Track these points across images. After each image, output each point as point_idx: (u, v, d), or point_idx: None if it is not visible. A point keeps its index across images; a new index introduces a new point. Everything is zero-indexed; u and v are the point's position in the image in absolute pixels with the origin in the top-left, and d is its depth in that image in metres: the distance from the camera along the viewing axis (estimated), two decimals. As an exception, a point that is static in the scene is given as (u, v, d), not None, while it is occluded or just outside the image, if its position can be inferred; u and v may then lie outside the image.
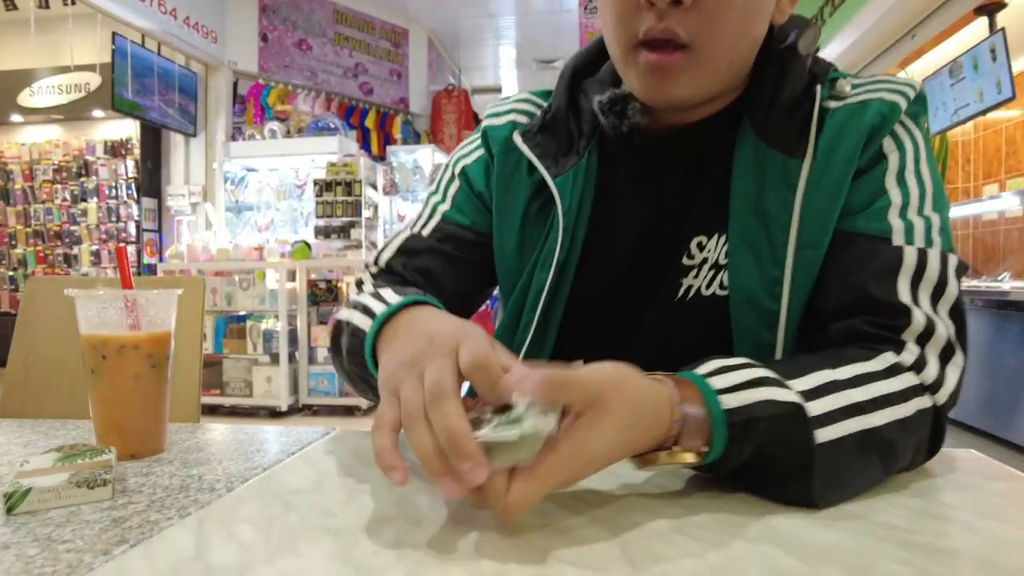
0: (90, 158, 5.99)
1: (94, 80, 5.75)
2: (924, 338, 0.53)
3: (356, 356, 0.56)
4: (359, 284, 0.72)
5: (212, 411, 4.18)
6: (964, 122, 4.04)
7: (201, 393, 1.11)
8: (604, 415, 0.40)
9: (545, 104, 0.74)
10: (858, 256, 0.57)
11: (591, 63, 0.72)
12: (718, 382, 0.46)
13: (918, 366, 0.51)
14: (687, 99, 0.61)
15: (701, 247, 0.65)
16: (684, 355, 0.65)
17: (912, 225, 0.57)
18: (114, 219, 5.87)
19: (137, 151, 5.70)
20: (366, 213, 4.49)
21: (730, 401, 0.45)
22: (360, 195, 4.47)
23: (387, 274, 0.73)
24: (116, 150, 5.91)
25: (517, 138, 0.71)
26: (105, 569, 0.38)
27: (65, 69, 5.74)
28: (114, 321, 0.63)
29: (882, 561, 0.37)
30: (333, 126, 5.23)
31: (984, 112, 3.82)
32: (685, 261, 0.65)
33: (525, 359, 0.67)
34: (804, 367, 0.49)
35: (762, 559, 0.38)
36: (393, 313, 0.54)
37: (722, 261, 0.63)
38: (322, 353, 4.43)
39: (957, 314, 0.55)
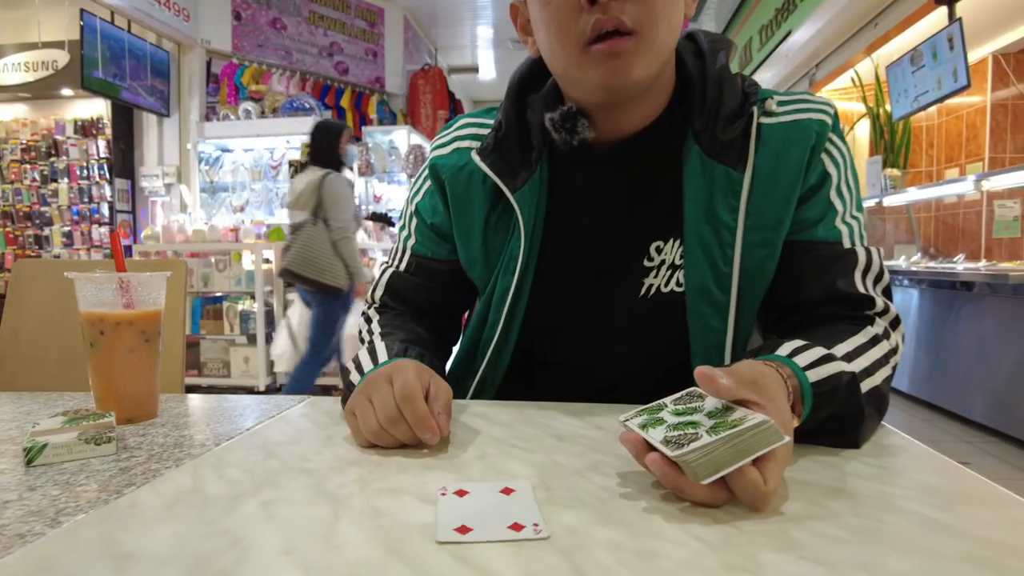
0: (59, 138, 5.90)
1: (62, 58, 5.64)
2: (882, 315, 0.69)
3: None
4: (367, 320, 0.84)
5: (190, 391, 4.18)
6: (924, 108, 4.18)
7: (182, 375, 1.18)
8: (772, 397, 0.49)
9: (488, 122, 0.81)
10: (823, 260, 0.70)
11: (533, 78, 0.79)
12: (800, 361, 0.57)
13: (886, 335, 0.66)
14: (641, 80, 0.67)
15: (659, 251, 0.74)
16: (646, 345, 0.77)
17: (852, 228, 0.72)
18: (86, 200, 5.80)
19: (109, 131, 5.63)
20: (342, 194, 4.51)
21: (813, 376, 0.56)
22: (336, 176, 4.48)
23: (383, 308, 0.86)
24: (87, 130, 5.82)
25: (475, 156, 0.77)
26: (121, 501, 0.46)
27: (32, 46, 5.62)
28: (110, 300, 0.71)
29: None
30: (308, 106, 5.22)
31: (942, 99, 3.96)
32: (646, 263, 0.75)
33: (493, 352, 0.78)
34: (830, 341, 0.61)
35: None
36: (374, 370, 0.65)
37: (678, 262, 0.74)
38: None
39: (888, 292, 0.71)
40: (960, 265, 3.79)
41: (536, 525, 0.40)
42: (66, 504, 0.47)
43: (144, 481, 0.51)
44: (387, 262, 0.87)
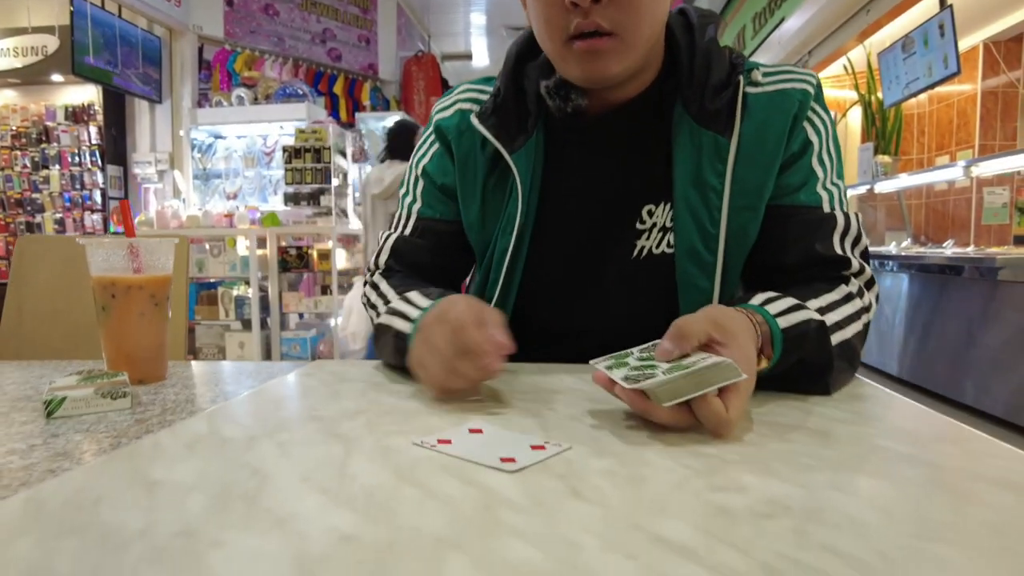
0: (50, 124, 5.86)
1: (52, 43, 5.59)
2: (857, 275, 0.73)
3: (402, 354, 0.66)
4: (374, 286, 0.83)
5: (185, 376, 4.23)
6: (915, 95, 4.21)
7: (185, 344, 1.21)
8: (737, 339, 0.53)
9: (488, 89, 0.85)
10: (804, 224, 0.74)
11: (531, 47, 0.82)
12: (772, 309, 0.61)
13: (860, 294, 0.70)
14: (618, 75, 0.73)
15: (650, 214, 0.78)
16: (637, 306, 0.80)
17: (832, 194, 0.75)
18: (78, 187, 5.77)
19: (100, 117, 5.59)
20: (335, 181, 4.52)
21: (783, 322, 0.60)
22: (329, 162, 4.49)
23: (388, 272, 0.86)
24: (78, 116, 5.79)
25: (475, 120, 0.80)
26: (143, 441, 0.49)
27: (21, 31, 5.57)
28: (120, 266, 0.73)
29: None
30: (301, 92, 5.21)
31: (932, 86, 3.99)
32: (638, 226, 0.79)
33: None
34: (804, 296, 0.65)
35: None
36: (422, 315, 0.66)
37: (668, 224, 0.77)
38: (293, 319, 4.50)
39: (866, 255, 0.75)
40: (949, 251, 3.84)
41: (550, 443, 0.46)
42: (89, 447, 0.50)
43: (161, 430, 0.53)
44: (388, 229, 0.89)
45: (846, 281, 0.71)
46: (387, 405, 0.58)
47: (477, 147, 0.82)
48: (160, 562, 0.30)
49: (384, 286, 0.81)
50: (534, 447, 0.46)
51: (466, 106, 0.85)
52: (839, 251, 0.72)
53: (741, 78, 0.75)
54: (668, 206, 0.77)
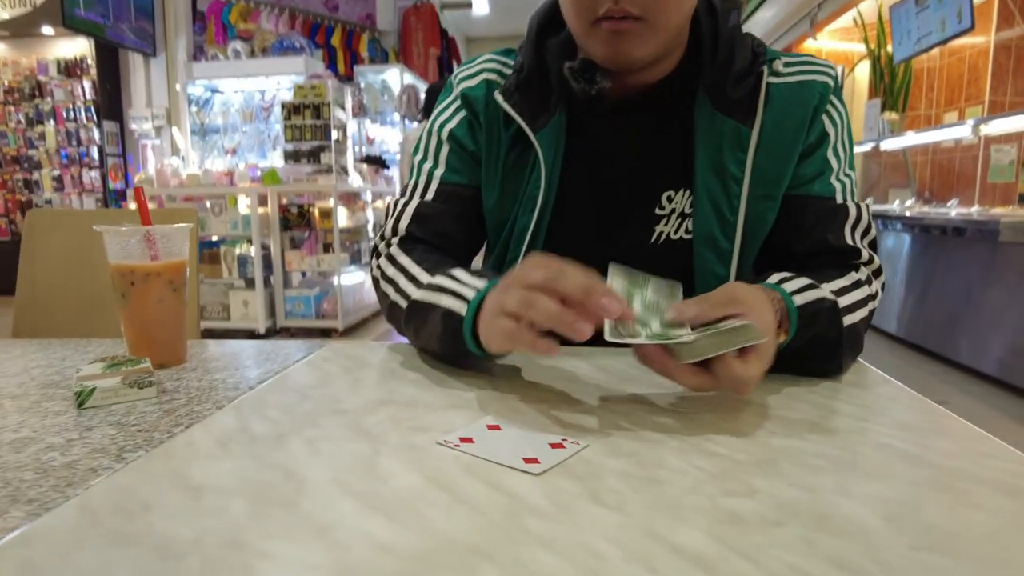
0: (43, 78, 5.76)
1: (41, -7, 5.45)
2: (866, 264, 0.75)
3: (455, 336, 0.62)
4: (391, 259, 0.78)
5: (191, 335, 4.28)
6: (926, 51, 4.13)
7: (198, 322, 1.22)
8: (757, 308, 0.56)
9: (510, 62, 0.84)
10: (817, 214, 0.76)
11: (552, 20, 0.81)
12: (788, 287, 0.64)
13: (868, 282, 0.73)
14: (643, 59, 0.72)
15: (670, 200, 0.79)
16: None
17: (844, 185, 0.77)
18: (75, 143, 5.72)
19: (94, 71, 5.50)
20: (335, 135, 4.47)
21: (799, 300, 0.63)
22: (329, 118, 4.44)
23: (409, 240, 0.81)
24: (71, 70, 5.69)
25: (499, 97, 0.80)
26: (177, 440, 0.51)
27: (8, -20, 5.42)
28: (138, 253, 0.74)
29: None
30: (299, 46, 5.10)
31: (944, 41, 3.91)
32: (657, 211, 0.80)
33: None
34: (817, 279, 0.67)
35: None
36: (484, 296, 0.61)
37: (687, 211, 0.79)
38: (296, 278, 4.52)
39: (874, 245, 0.77)
40: (953, 210, 3.83)
41: (568, 440, 0.48)
42: (125, 442, 0.52)
43: (189, 422, 0.56)
44: (404, 197, 0.85)
45: (856, 269, 0.74)
46: (407, 396, 0.60)
47: (500, 122, 0.82)
48: (216, 573, 0.32)
49: (404, 260, 0.76)
50: (553, 445, 0.48)
51: (492, 76, 0.84)
52: (850, 241, 0.75)
53: (765, 68, 0.75)
54: (688, 193, 0.78)
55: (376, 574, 0.32)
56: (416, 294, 0.70)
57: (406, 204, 0.84)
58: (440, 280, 0.68)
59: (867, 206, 0.78)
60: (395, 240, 0.82)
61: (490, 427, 0.51)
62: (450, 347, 0.65)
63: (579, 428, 0.52)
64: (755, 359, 0.52)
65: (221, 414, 0.57)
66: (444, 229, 0.82)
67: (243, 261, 4.24)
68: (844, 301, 0.67)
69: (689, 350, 0.51)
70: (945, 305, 3.43)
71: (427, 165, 0.85)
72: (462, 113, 0.84)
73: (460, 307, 0.62)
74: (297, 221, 4.31)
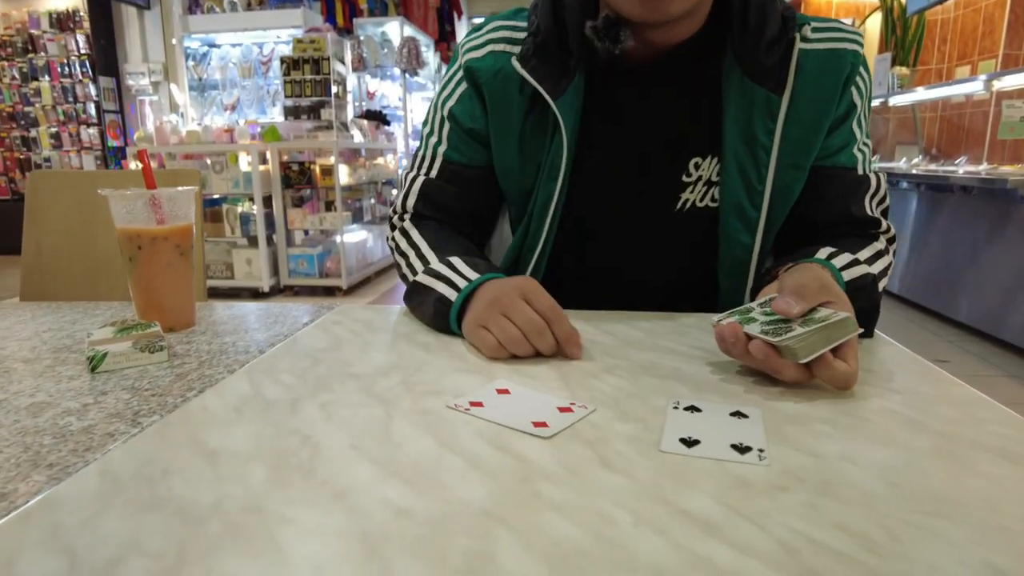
0: (35, 32, 5.64)
1: (29, -59, 5.29)
2: (884, 234, 0.78)
3: (442, 319, 0.69)
4: (404, 233, 0.83)
5: (195, 293, 4.30)
6: (941, 2, 4.01)
7: (204, 285, 1.23)
8: (842, 297, 0.58)
9: (520, 25, 0.80)
10: (841, 185, 0.78)
11: None
12: (836, 263, 0.67)
13: (886, 251, 0.76)
14: (679, 13, 0.69)
15: (697, 167, 0.78)
16: (675, 257, 0.82)
17: (865, 154, 0.79)
18: (71, 99, 5.63)
19: (87, 25, 5.37)
20: (335, 89, 4.40)
21: (847, 275, 0.66)
22: (328, 73, 4.36)
23: (417, 217, 0.85)
24: (63, 23, 5.56)
25: (515, 63, 0.76)
26: (191, 405, 0.52)
27: (-5, -72, 5.26)
28: (144, 217, 0.74)
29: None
30: (296, -2, 4.97)
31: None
32: (684, 179, 0.79)
33: (536, 261, 0.82)
34: (853, 251, 0.70)
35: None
36: (474, 287, 0.67)
37: (714, 178, 0.78)
38: (299, 236, 4.51)
39: (887, 212, 0.80)
40: (961, 168, 3.79)
41: (576, 404, 0.47)
42: (140, 407, 0.53)
43: (201, 387, 0.56)
44: (412, 171, 0.87)
45: (876, 239, 0.76)
46: (416, 360, 0.61)
47: (514, 89, 0.78)
48: (238, 539, 0.33)
49: (416, 236, 0.81)
50: (561, 409, 0.48)
51: (499, 47, 0.80)
52: (870, 212, 0.77)
53: (797, 35, 0.73)
54: (715, 160, 0.77)
55: (396, 539, 0.33)
56: (420, 274, 0.74)
57: (414, 180, 0.86)
58: (439, 267, 0.73)
59: (884, 176, 0.79)
60: (407, 216, 0.85)
61: (499, 391, 0.52)
62: (439, 328, 0.71)
63: (587, 392, 0.53)
64: (852, 353, 0.53)
65: (233, 379, 0.57)
66: (448, 207, 0.85)
67: (245, 219, 4.22)
68: (876, 268, 0.70)
69: (803, 349, 0.51)
70: (950, 264, 3.42)
71: (432, 140, 0.86)
72: (462, 87, 0.82)
73: (451, 295, 0.68)
74: (298, 179, 4.27)
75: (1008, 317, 2.94)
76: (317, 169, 4.26)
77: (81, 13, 5.45)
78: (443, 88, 0.85)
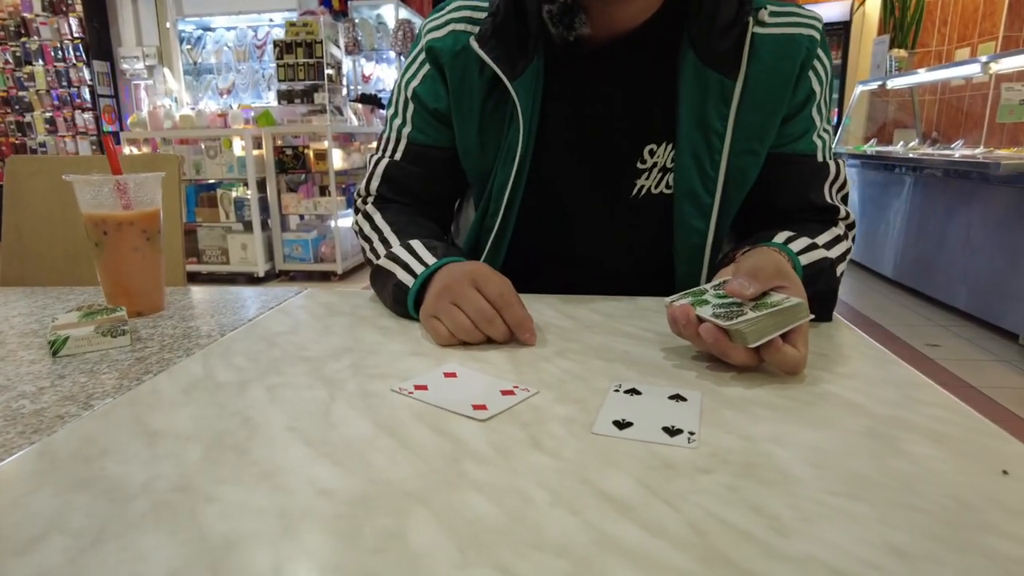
0: (27, 15, 5.60)
1: (20, -77, 5.24)
2: (843, 220, 0.78)
3: (401, 305, 0.69)
4: (367, 217, 0.83)
5: (191, 278, 4.28)
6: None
7: (184, 269, 1.23)
8: (795, 280, 0.58)
9: (482, 5, 0.79)
10: (799, 172, 0.78)
11: None
12: (794, 247, 0.68)
13: (845, 236, 0.76)
14: None
15: (652, 153, 0.78)
16: (633, 243, 0.82)
17: (825, 141, 0.79)
18: (65, 84, 5.60)
19: (80, 8, 5.33)
20: (329, 71, 4.37)
21: (804, 260, 0.67)
22: (322, 56, 4.33)
23: (381, 200, 0.85)
24: (56, 6, 5.51)
25: (474, 44, 0.76)
26: (143, 387, 0.52)
27: (-14, -90, 5.20)
28: (109, 202, 0.74)
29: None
30: (290, -20, 4.93)
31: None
32: (639, 165, 0.79)
33: (493, 244, 0.82)
34: (811, 235, 0.71)
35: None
36: (430, 273, 0.67)
37: (669, 165, 0.78)
38: (294, 220, 4.51)
39: (846, 198, 0.81)
40: (957, 152, 3.77)
41: (519, 387, 0.47)
42: (94, 390, 0.53)
43: (160, 369, 0.57)
44: (377, 153, 0.87)
45: (835, 224, 0.77)
46: (372, 343, 0.62)
47: (474, 70, 0.78)
48: (160, 517, 0.34)
49: (379, 220, 0.81)
50: (504, 392, 0.49)
51: (460, 27, 0.80)
52: (829, 200, 0.78)
53: (751, 19, 0.73)
54: (670, 146, 0.77)
55: (314, 517, 0.33)
56: (381, 258, 0.75)
57: (378, 162, 0.86)
58: (399, 252, 0.73)
59: (843, 162, 0.80)
60: (370, 199, 0.86)
61: (447, 375, 0.53)
62: (399, 313, 0.71)
63: (535, 375, 0.53)
64: (802, 339, 0.53)
65: (190, 361, 0.58)
66: (412, 189, 0.85)
67: (240, 204, 4.22)
68: (834, 253, 0.71)
69: (753, 334, 0.51)
70: (945, 249, 3.41)
71: (397, 121, 0.85)
72: (425, 68, 0.82)
73: (408, 281, 0.69)
74: (292, 163, 4.27)
75: (1000, 302, 2.94)
76: (311, 154, 4.25)
77: (74, -4, 5.40)
78: (406, 69, 0.84)
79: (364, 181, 0.87)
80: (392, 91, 0.87)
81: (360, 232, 0.84)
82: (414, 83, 0.83)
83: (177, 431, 0.43)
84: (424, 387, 0.50)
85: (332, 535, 0.32)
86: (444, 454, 0.40)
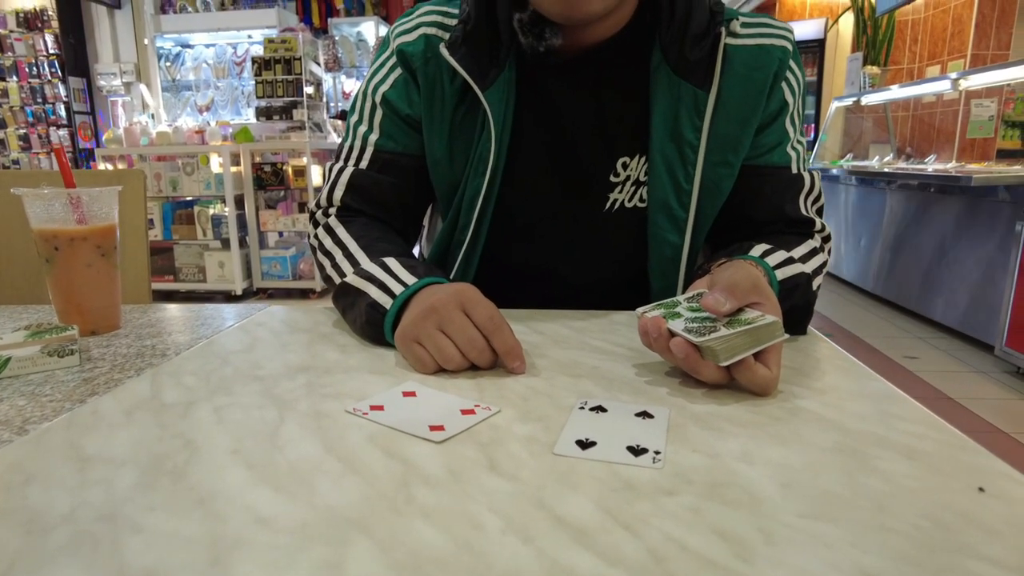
0: (1, 31, 5.53)
1: (-5, -61, 5.19)
2: (818, 233, 0.78)
3: (376, 327, 0.63)
4: (329, 230, 0.77)
5: (168, 297, 4.24)
6: (909, 1, 4.05)
7: (151, 277, 1.20)
8: (771, 297, 0.56)
9: (452, 11, 0.77)
10: (774, 184, 0.77)
11: None
12: (770, 261, 0.66)
13: (821, 249, 0.75)
14: (598, 12, 0.67)
15: (625, 166, 0.77)
16: (607, 257, 0.81)
17: (798, 152, 0.78)
18: (39, 100, 5.53)
19: (55, 24, 5.28)
20: (308, 90, 4.35)
21: (780, 274, 0.65)
22: (301, 73, 4.31)
23: (344, 211, 0.80)
24: (31, 23, 5.45)
25: (444, 51, 0.73)
26: (83, 409, 0.49)
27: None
28: (61, 216, 0.71)
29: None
30: (270, -3, 4.93)
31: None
32: (612, 179, 0.77)
33: (463, 257, 0.79)
34: (787, 248, 0.70)
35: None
36: (411, 293, 0.62)
37: (642, 178, 0.77)
38: (273, 238, 4.46)
39: (821, 211, 0.80)
40: (930, 166, 3.83)
41: (480, 406, 0.45)
42: (32, 413, 0.50)
43: (107, 390, 0.54)
44: (338, 162, 0.82)
45: (810, 236, 0.76)
46: (330, 361, 0.59)
47: (445, 77, 0.76)
48: (79, 550, 0.31)
49: (343, 233, 0.76)
50: (464, 411, 0.47)
51: (431, 31, 0.77)
52: (804, 212, 0.77)
53: (722, 29, 0.72)
54: (643, 159, 0.76)
55: (247, 547, 0.31)
56: (349, 276, 0.69)
57: (340, 171, 0.81)
58: (372, 269, 0.67)
59: (818, 174, 0.79)
60: (332, 211, 0.80)
61: (405, 394, 0.51)
62: (370, 336, 0.65)
63: (497, 392, 0.51)
64: (775, 359, 0.52)
65: (136, 381, 0.55)
66: (380, 199, 0.80)
67: (217, 221, 4.16)
68: (811, 267, 0.70)
69: (725, 352, 0.50)
70: (921, 262, 3.45)
71: (362, 128, 0.81)
72: (396, 72, 0.79)
73: (385, 301, 0.63)
74: (271, 180, 4.22)
75: (975, 314, 2.97)
76: (290, 170, 4.21)
77: (49, 12, 5.35)
78: (373, 75, 0.81)
79: (325, 192, 0.81)
80: (355, 97, 0.84)
81: (320, 247, 0.77)
82: (383, 87, 0.79)
83: (112, 456, 0.41)
84: (380, 407, 0.48)
85: (264, 566, 0.30)
86: (393, 478, 0.38)
